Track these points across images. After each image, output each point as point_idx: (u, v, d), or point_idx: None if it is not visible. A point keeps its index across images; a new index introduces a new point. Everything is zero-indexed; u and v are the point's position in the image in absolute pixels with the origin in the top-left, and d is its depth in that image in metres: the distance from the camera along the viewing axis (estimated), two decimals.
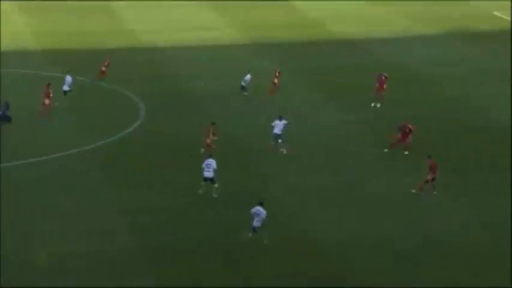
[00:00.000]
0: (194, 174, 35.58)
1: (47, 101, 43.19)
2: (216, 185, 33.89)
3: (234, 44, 59.93)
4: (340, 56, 56.03)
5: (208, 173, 33.82)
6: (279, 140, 38.89)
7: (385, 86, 45.28)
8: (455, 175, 36.49)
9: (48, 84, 43.89)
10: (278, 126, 38.84)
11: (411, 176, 36.00)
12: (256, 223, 30.29)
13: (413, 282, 28.12)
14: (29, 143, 40.29)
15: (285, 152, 38.76)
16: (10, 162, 37.70)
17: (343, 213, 33.15)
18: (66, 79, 45.57)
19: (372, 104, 45.05)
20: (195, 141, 40.33)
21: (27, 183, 35.67)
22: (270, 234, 30.71)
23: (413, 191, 34.39)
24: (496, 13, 67.41)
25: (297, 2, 72.42)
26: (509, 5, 67.36)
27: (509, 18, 65.49)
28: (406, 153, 38.41)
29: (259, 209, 30.32)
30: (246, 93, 47.55)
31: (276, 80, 47.31)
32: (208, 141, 38.05)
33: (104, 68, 49.19)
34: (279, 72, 47.63)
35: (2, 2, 68.80)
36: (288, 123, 39.05)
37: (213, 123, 38.62)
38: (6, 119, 42.22)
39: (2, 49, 55.48)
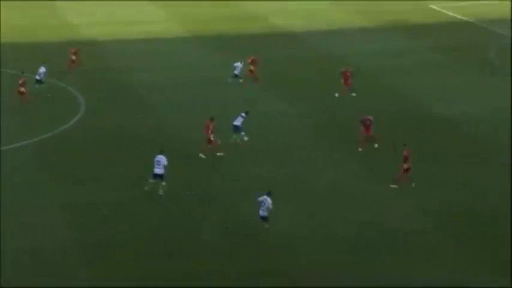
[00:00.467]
0: (135, 169, 34.62)
1: (22, 89, 43.42)
2: (163, 183, 32.70)
3: (175, 37, 59.04)
4: (282, 49, 55.48)
5: (158, 170, 32.59)
6: (242, 133, 38.16)
7: (350, 80, 44.76)
8: (395, 164, 36.06)
9: (22, 73, 44.34)
10: (238, 118, 38.26)
11: (355, 167, 35.52)
12: (261, 212, 29.61)
13: (361, 271, 27.60)
14: None
15: (245, 139, 38.15)
16: None
17: (287, 205, 32.28)
18: (40, 69, 45.51)
19: (336, 94, 44.82)
20: (137, 135, 39.27)
21: None
22: (213, 227, 29.97)
23: (393, 186, 33.42)
24: (432, 6, 67.56)
25: None
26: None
27: (445, 11, 65.66)
28: (376, 145, 37.52)
29: (266, 198, 29.66)
30: (241, 80, 47.20)
31: (252, 68, 47.40)
32: (210, 137, 36.61)
33: (73, 57, 49.16)
34: (252, 60, 47.43)
35: None
36: (245, 116, 38.25)
37: (212, 119, 36.92)
38: None
39: None
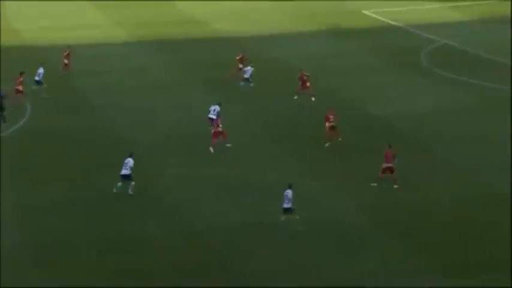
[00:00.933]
0: (82, 171, 34.75)
1: (20, 88, 43.60)
2: (133, 183, 33.14)
3: (119, 42, 58.80)
4: (224, 53, 55.89)
5: (125, 171, 33.12)
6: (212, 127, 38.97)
7: (307, 83, 45.00)
8: (335, 163, 36.93)
9: (21, 73, 44.29)
10: (213, 111, 38.98)
11: (297, 166, 36.14)
12: (285, 204, 30.23)
13: (296, 267, 28.02)
14: None
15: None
16: None
17: (233, 203, 32.78)
18: (39, 70, 45.63)
19: (295, 97, 44.89)
20: (83, 138, 39.23)
21: None
22: (158, 226, 30.28)
23: (373, 184, 33.83)
24: (364, 12, 68.86)
25: (180, 2, 71.77)
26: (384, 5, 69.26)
27: (376, 17, 67.01)
28: (327, 145, 38.32)
29: (288, 191, 30.39)
30: (252, 85, 46.96)
31: (239, 65, 47.81)
32: (218, 129, 37.71)
33: (66, 61, 49.17)
34: (240, 57, 47.92)
35: None
36: (218, 109, 39.27)
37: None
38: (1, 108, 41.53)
39: None
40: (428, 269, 27.83)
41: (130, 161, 33.27)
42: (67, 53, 49.77)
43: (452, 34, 60.13)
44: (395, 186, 33.81)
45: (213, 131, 38.09)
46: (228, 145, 38.11)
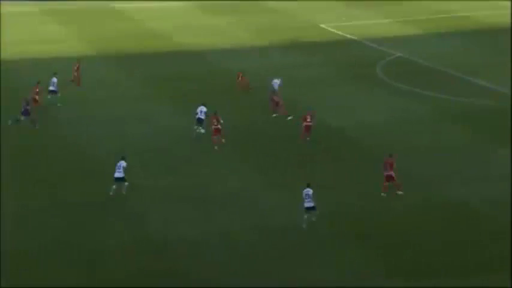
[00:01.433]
0: (41, 181, 34.40)
1: (37, 97, 43.89)
2: (126, 183, 33.65)
3: (80, 56, 58.31)
4: (185, 66, 55.86)
5: (119, 173, 33.51)
6: (201, 127, 40.18)
7: (280, 102, 44.70)
8: (294, 172, 37.07)
9: (38, 83, 44.59)
10: (201, 112, 40.21)
11: (259, 175, 36.26)
12: (308, 203, 30.80)
13: (257, 275, 28.06)
14: None
15: (203, 131, 40.38)
16: None
17: (192, 213, 32.70)
18: (52, 80, 45.89)
19: (274, 115, 44.55)
20: (45, 151, 38.89)
21: None
22: (117, 235, 30.15)
23: (383, 194, 33.94)
24: (322, 25, 69.38)
25: (142, 16, 71.64)
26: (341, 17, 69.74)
27: (334, 30, 67.58)
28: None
29: (308, 189, 31.07)
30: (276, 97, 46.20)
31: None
32: (217, 126, 38.95)
33: (75, 74, 49.25)
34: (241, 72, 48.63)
35: None
36: (204, 110, 40.34)
37: (216, 113, 39.33)
38: (27, 114, 42.09)
39: None
40: (375, 271, 28.13)
41: (122, 163, 33.77)
42: (77, 66, 49.78)
43: (407, 47, 60.85)
44: (399, 193, 34.12)
45: (212, 128, 39.28)
46: (223, 140, 39.44)
